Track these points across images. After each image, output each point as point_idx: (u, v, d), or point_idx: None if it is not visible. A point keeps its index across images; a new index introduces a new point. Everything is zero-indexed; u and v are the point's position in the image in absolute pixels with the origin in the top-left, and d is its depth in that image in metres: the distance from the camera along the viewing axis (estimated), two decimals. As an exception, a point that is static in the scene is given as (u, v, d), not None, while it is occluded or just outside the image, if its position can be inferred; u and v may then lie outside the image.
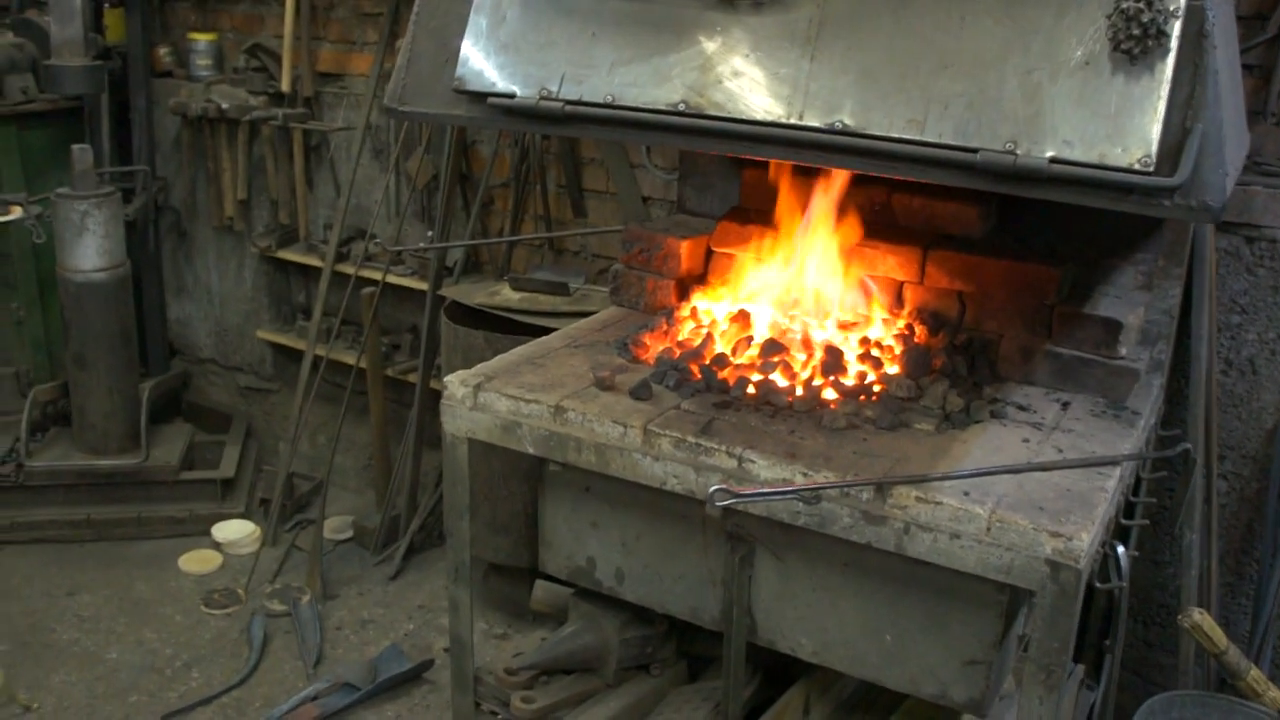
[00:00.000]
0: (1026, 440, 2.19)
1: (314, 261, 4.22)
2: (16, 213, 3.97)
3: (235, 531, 3.99)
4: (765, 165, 2.74)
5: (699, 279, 2.85)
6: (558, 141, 3.70)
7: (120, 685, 3.32)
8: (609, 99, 2.15)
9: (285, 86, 4.20)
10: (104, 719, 3.18)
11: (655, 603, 2.43)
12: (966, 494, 1.94)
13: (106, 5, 4.44)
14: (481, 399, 2.35)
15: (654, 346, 2.57)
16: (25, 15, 4.40)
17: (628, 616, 2.54)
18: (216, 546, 3.96)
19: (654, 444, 2.17)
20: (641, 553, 2.41)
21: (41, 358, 4.51)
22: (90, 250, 3.92)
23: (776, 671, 2.52)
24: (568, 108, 2.17)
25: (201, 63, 4.47)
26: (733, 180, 2.97)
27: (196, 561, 3.89)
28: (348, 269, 4.01)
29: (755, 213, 2.77)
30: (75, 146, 3.96)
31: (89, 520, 4.03)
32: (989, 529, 1.88)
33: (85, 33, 4.13)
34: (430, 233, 3.83)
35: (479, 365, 2.48)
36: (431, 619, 3.56)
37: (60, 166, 4.29)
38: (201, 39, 4.45)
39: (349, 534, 3.96)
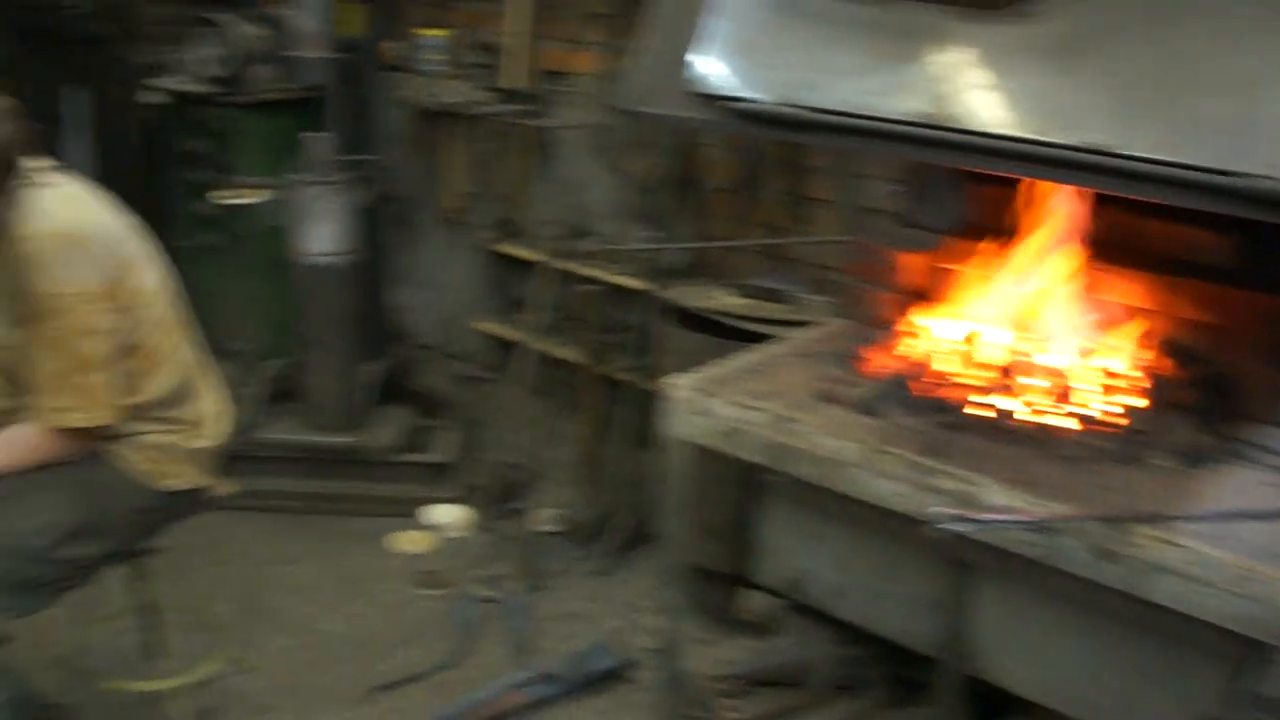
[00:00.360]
0: (1271, 485, 2.09)
1: (534, 256, 4.30)
2: (255, 196, 4.17)
3: (447, 515, 4.10)
4: (998, 181, 2.67)
5: (924, 294, 2.81)
6: (781, 147, 3.69)
7: (331, 655, 3.45)
8: (847, 107, 2.12)
9: (510, 83, 4.30)
10: (314, 686, 3.32)
11: (868, 622, 2.41)
12: (1210, 538, 1.86)
13: (342, 1, 4.61)
14: (705, 404, 2.37)
15: (877, 361, 2.55)
16: (269, 9, 4.61)
17: (839, 634, 2.53)
18: (428, 528, 4.08)
19: (878, 461, 2.15)
20: (857, 570, 2.40)
21: (273, 336, 4.72)
22: (323, 235, 4.08)
23: (989, 704, 2.47)
24: (806, 114, 2.15)
25: (430, 58, 4.60)
26: (962, 194, 2.91)
27: (409, 541, 4.02)
28: (567, 265, 4.09)
29: (985, 229, 2.71)
30: (311, 135, 4.13)
31: (309, 493, 4.21)
32: (1235, 577, 1.81)
33: (325, 27, 4.31)
34: (649, 233, 3.87)
35: (703, 369, 2.50)
36: (636, 618, 3.59)
37: (295, 154, 4.49)
38: (431, 35, 4.59)
39: (558, 526, 4.03)
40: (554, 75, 4.32)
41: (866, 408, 2.29)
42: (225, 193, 4.20)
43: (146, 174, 4.95)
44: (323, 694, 3.29)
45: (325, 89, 4.38)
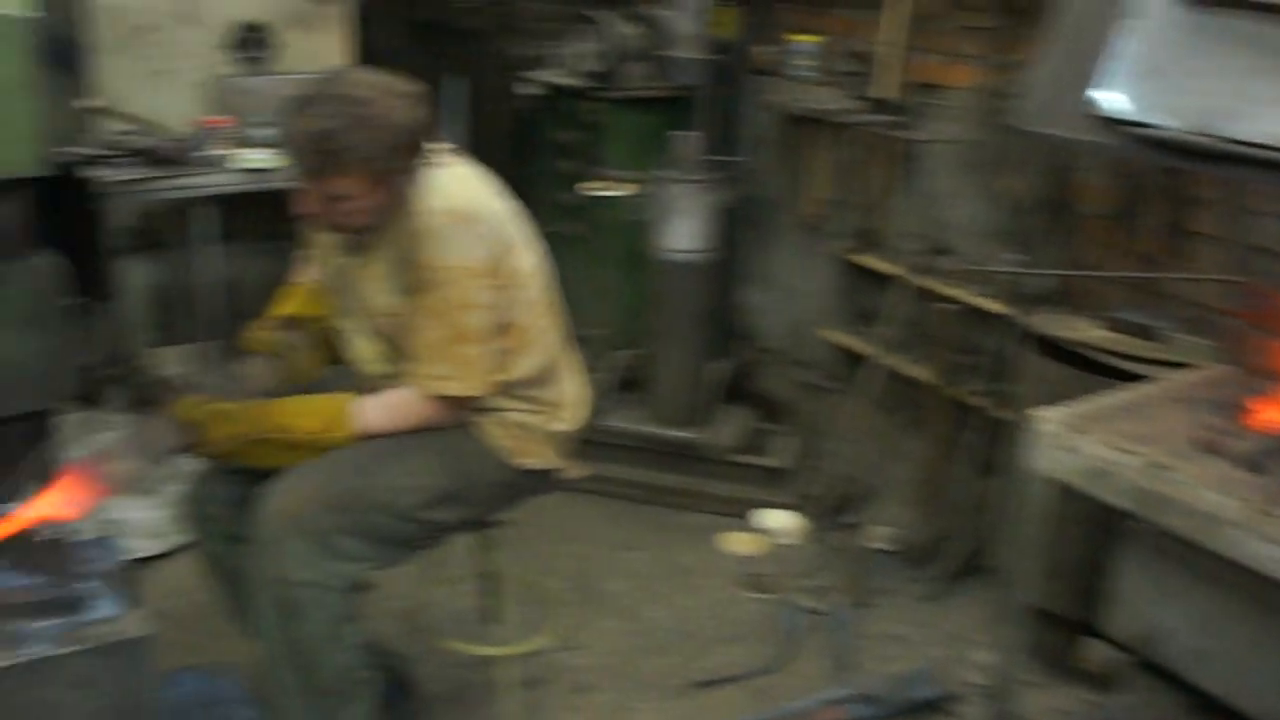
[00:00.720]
0: None
1: (891, 269, 4.24)
2: (621, 189, 4.30)
3: (779, 521, 4.11)
4: None
5: (1323, 347, 2.58)
6: (1164, 175, 3.48)
7: (656, 644, 3.52)
8: (1274, 140, 1.97)
9: (881, 92, 4.24)
10: (636, 672, 3.39)
11: (1232, 696, 2.24)
12: None
13: (717, 3, 4.68)
14: (1073, 440, 2.27)
15: (1265, 414, 2.36)
16: (646, 9, 4.74)
17: (1194, 701, 2.36)
18: (760, 532, 4.10)
19: (1263, 523, 1.99)
20: (1224, 637, 2.23)
21: (623, 327, 4.85)
22: (684, 232, 4.16)
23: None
24: (1223, 145, 2.01)
25: (801, 63, 4.60)
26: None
27: (739, 542, 4.04)
28: (924, 281, 4.00)
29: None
30: (681, 133, 4.22)
31: (647, 484, 4.30)
32: None
33: (700, 28, 4.39)
34: (1014, 256, 3.74)
35: (1072, 404, 2.39)
36: (963, 650, 3.49)
37: (662, 150, 4.60)
38: (803, 40, 4.58)
39: (890, 545, 3.96)
40: (926, 87, 4.24)
41: (1252, 464, 2.13)
42: (592, 184, 4.34)
43: (517, 162, 5.19)
44: (643, 681, 3.35)
45: (696, 89, 4.46)
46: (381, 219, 2.47)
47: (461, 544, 2.99)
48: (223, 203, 4.24)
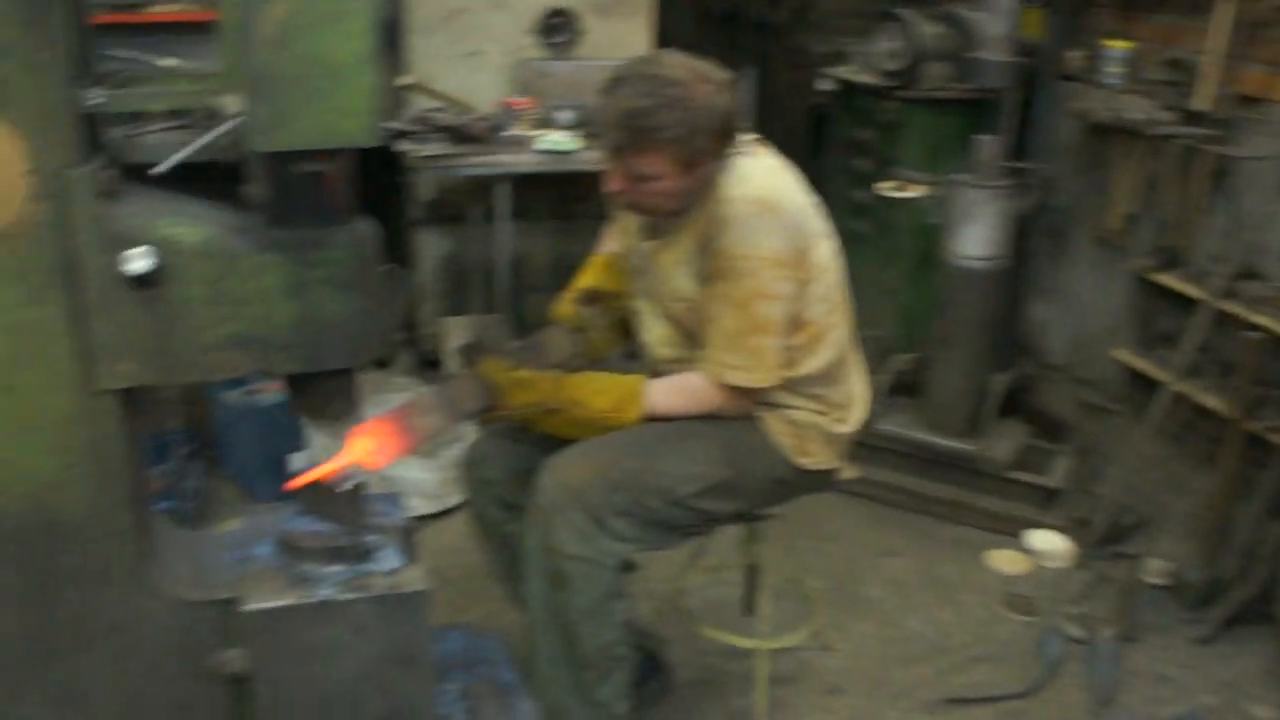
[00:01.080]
0: None
1: (1193, 292, 4.03)
2: (915, 191, 4.23)
3: (1048, 543, 3.98)
4: None
5: None
6: None
7: (910, 654, 3.47)
8: None
9: (1201, 104, 4.02)
10: (890, 680, 3.35)
11: None
12: None
13: (1026, 5, 4.54)
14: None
15: None
16: (953, 7, 4.64)
17: None
18: (1027, 552, 3.98)
19: None
20: None
21: (903, 329, 4.80)
22: (976, 238, 4.07)
23: None
24: None
25: (1111, 70, 4.41)
26: None
27: (1005, 560, 3.94)
28: (1230, 307, 3.78)
29: None
30: (980, 137, 4.12)
31: (913, 491, 4.23)
32: None
33: (1009, 29, 4.27)
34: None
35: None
36: (1236, 701, 3.30)
37: (956, 154, 4.51)
38: (1116, 46, 4.39)
39: (1165, 580, 3.77)
40: (1248, 100, 3.99)
41: None
42: (885, 184, 4.30)
43: (810, 158, 5.19)
44: (894, 690, 3.31)
45: (999, 92, 4.34)
46: (685, 204, 2.51)
47: (727, 534, 3.02)
48: (519, 181, 4.39)
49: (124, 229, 1.89)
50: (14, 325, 1.91)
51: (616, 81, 2.39)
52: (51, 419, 1.97)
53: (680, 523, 2.58)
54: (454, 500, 4.03)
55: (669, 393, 2.58)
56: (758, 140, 2.61)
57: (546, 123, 4.42)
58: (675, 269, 2.57)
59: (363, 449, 2.27)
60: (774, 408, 2.62)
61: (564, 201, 5.13)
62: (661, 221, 2.60)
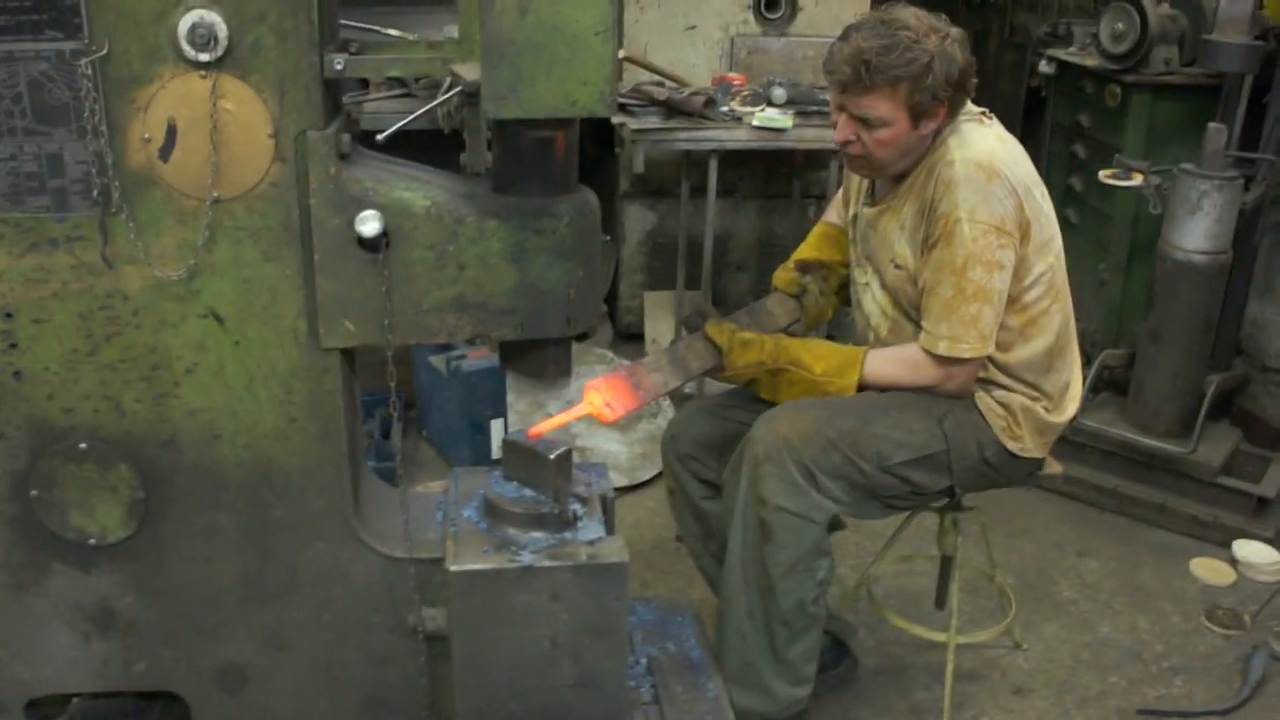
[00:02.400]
0: None
1: None
2: (1137, 179, 4.04)
3: (1257, 554, 3.77)
4: None
5: None
6: None
7: (1103, 661, 3.33)
8: None
9: None
10: (1077, 685, 3.22)
11: None
12: None
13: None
14: None
15: None
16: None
17: None
18: (1234, 562, 3.78)
19: None
20: None
21: (1112, 323, 4.61)
22: (1198, 231, 3.86)
23: None
24: None
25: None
26: None
27: (1208, 570, 3.75)
28: None
29: None
30: (1211, 125, 3.90)
31: (1114, 491, 4.06)
32: None
33: (1249, 10, 4.02)
34: None
35: None
36: None
37: (1180, 142, 4.29)
38: (1367, 31, 4.11)
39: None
40: None
41: None
42: (1105, 172, 4.11)
43: (1023, 141, 5.01)
44: (1083, 696, 3.19)
45: (1233, 77, 4.11)
46: (911, 161, 2.48)
47: (921, 523, 2.95)
48: (727, 158, 4.36)
49: (356, 192, 1.93)
50: (248, 281, 1.98)
51: (850, 28, 2.40)
52: (277, 373, 2.04)
53: (887, 491, 2.54)
54: (647, 474, 4.04)
55: (886, 362, 2.55)
56: (986, 112, 2.55)
57: (760, 99, 4.37)
58: (895, 235, 2.54)
59: (596, 402, 2.33)
60: (988, 386, 2.58)
61: (771, 180, 5.08)
62: (885, 186, 2.57)
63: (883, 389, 2.55)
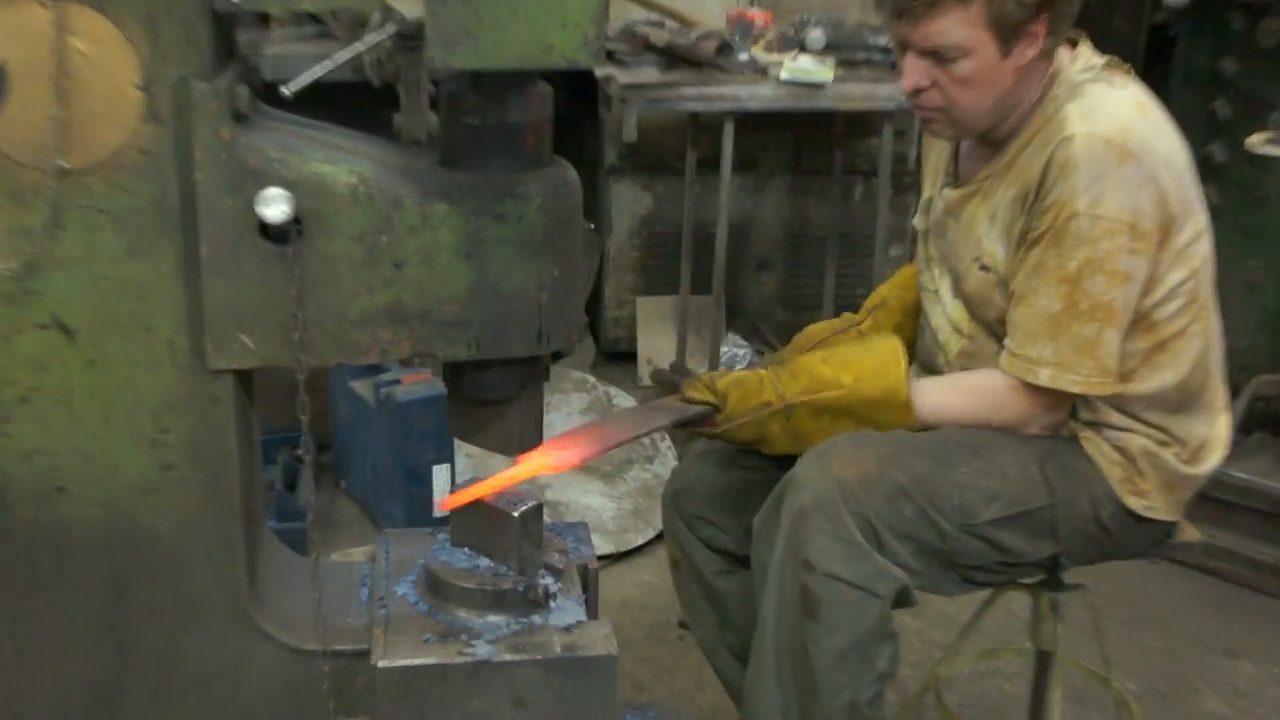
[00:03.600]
0: None
1: None
2: (1292, 152, 4.06)
3: None
4: None
5: None
6: None
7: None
8: None
9: None
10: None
11: None
12: None
13: None
14: None
15: None
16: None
17: None
18: None
19: None
20: None
21: (1265, 338, 4.60)
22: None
23: None
24: None
25: None
26: None
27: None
28: None
29: None
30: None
31: (1275, 567, 4.06)
32: None
33: None
34: None
35: None
36: None
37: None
38: None
39: None
40: None
41: None
42: (1257, 136, 4.11)
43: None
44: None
45: None
46: (1005, 112, 2.47)
47: (1009, 607, 2.95)
48: (747, 121, 4.39)
49: (256, 163, 1.94)
50: (107, 280, 1.98)
51: None
52: (146, 404, 2.05)
53: (969, 560, 2.52)
54: (640, 538, 4.06)
55: (951, 392, 2.56)
56: (1116, 63, 2.53)
57: (790, 44, 4.40)
58: (984, 226, 2.53)
59: (542, 460, 2.27)
60: (1099, 428, 2.55)
61: (805, 151, 5.11)
62: (973, 161, 2.58)
63: (947, 425, 2.55)
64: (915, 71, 2.43)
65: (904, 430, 2.51)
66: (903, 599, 2.47)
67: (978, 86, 2.41)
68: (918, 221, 2.83)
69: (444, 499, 2.25)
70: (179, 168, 1.94)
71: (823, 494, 2.39)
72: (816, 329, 2.90)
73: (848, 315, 2.90)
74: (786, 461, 2.54)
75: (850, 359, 2.54)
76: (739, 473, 2.75)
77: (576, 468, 2.40)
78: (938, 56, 2.39)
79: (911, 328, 2.80)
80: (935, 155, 2.74)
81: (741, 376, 2.52)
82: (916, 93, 2.45)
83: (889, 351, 2.53)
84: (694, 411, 2.48)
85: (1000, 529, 2.49)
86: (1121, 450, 2.55)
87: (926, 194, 2.76)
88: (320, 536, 2.34)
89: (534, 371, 2.19)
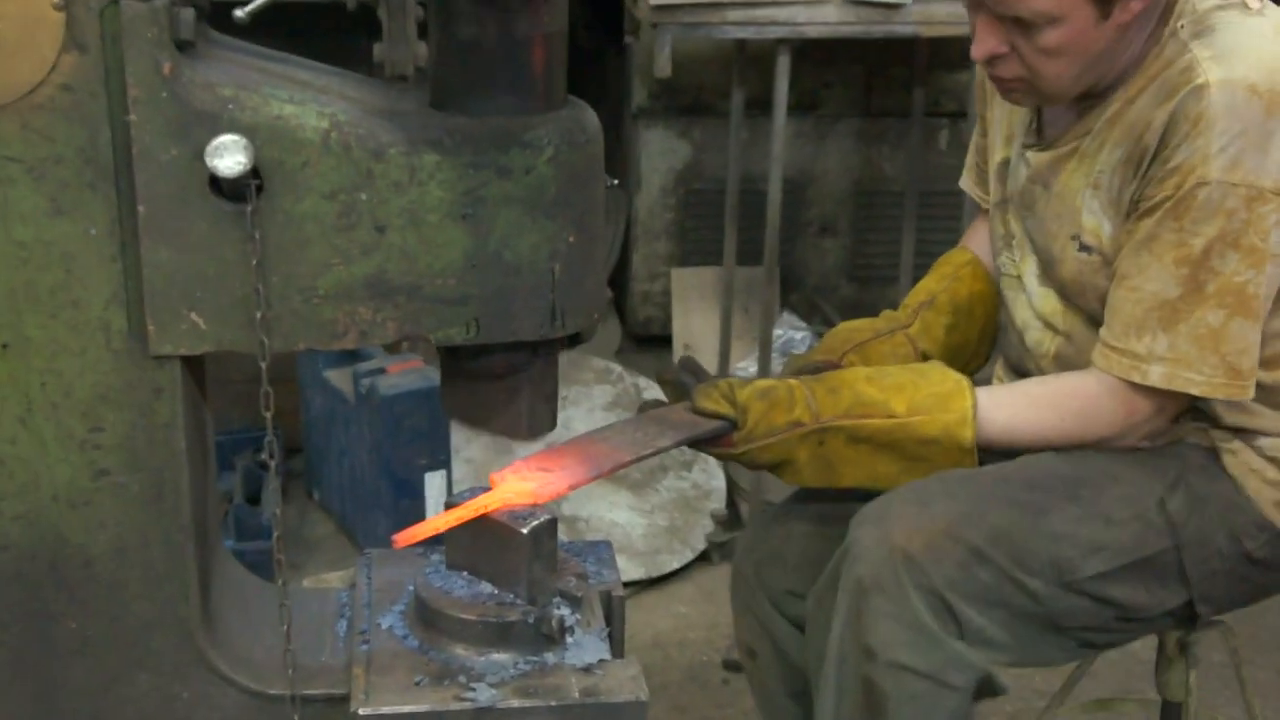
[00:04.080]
0: None
1: None
2: None
3: None
4: None
5: None
6: None
7: None
8: None
9: None
10: None
11: None
12: None
13: None
14: None
15: None
16: None
17: None
18: None
19: None
20: None
21: None
22: None
23: None
24: None
25: None
26: None
27: None
28: None
29: None
30: None
31: None
32: None
33: None
34: None
35: None
36: None
37: None
38: None
39: None
40: None
41: None
42: None
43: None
44: None
45: None
46: (1100, 72, 2.43)
47: (1130, 644, 2.93)
48: (806, 51, 4.36)
49: (205, 104, 1.93)
50: (25, 247, 1.97)
51: None
52: (75, 397, 2.04)
53: (1076, 620, 2.48)
54: (675, 561, 4.05)
55: (1025, 406, 2.52)
56: None
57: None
58: (1084, 195, 2.49)
59: (515, 486, 2.24)
60: (1246, 435, 2.51)
61: (877, 89, 5.09)
62: (1065, 112, 2.54)
63: (1016, 449, 2.51)
64: (989, 36, 2.39)
65: (966, 465, 2.48)
66: (987, 688, 2.45)
67: (1067, 55, 2.37)
68: (976, 189, 2.83)
69: (401, 535, 2.22)
70: (110, 108, 1.93)
71: (883, 568, 2.37)
72: (852, 328, 2.84)
73: (888, 314, 2.85)
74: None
75: (904, 382, 2.50)
76: (841, 531, 2.62)
77: (561, 497, 2.36)
78: (1019, 25, 2.35)
79: (966, 329, 2.79)
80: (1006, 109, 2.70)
81: (766, 387, 2.49)
82: (991, 61, 2.42)
83: (954, 382, 2.49)
84: (707, 427, 2.45)
85: (1109, 583, 2.46)
86: (1273, 460, 2.51)
87: (1000, 154, 2.72)
88: (289, 558, 2.34)
89: (546, 360, 2.18)
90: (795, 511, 2.80)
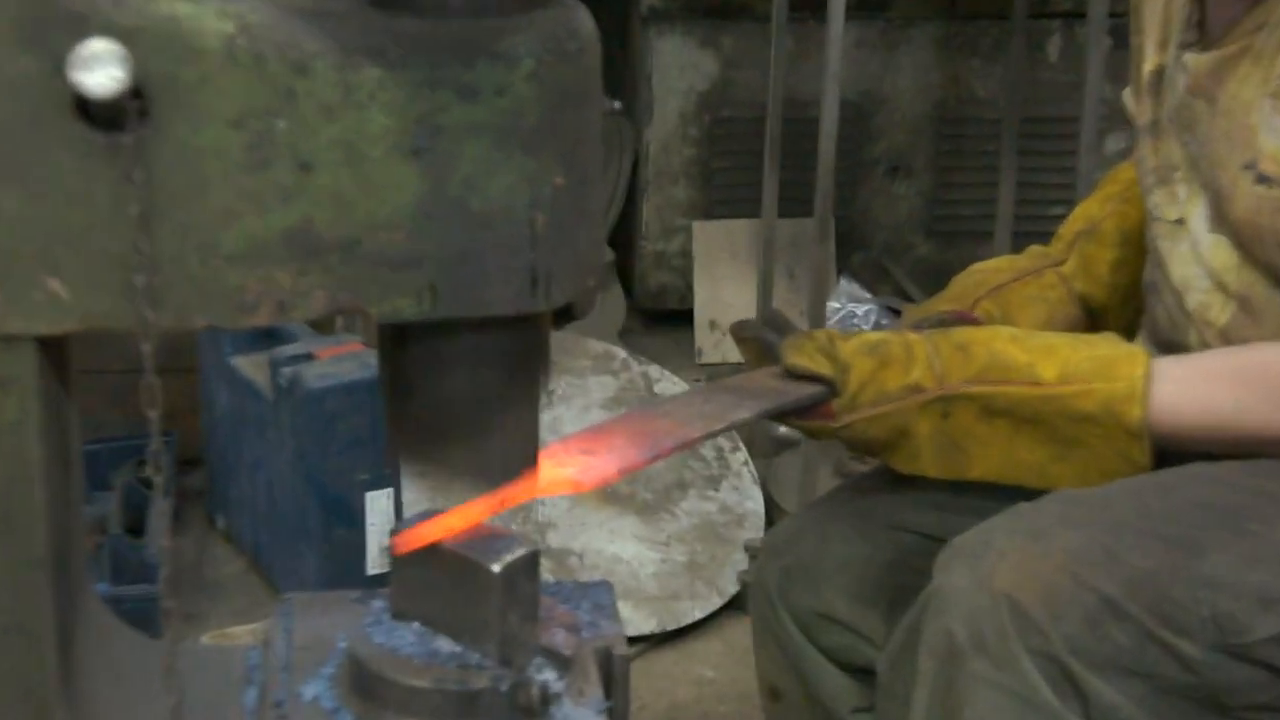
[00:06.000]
0: None
1: None
2: None
3: None
4: None
5: None
6: None
7: None
8: None
9: None
10: None
11: None
12: None
13: None
14: None
15: None
16: None
17: None
18: None
19: None
20: None
21: None
22: None
23: None
24: None
25: None
26: None
27: None
28: None
29: None
30: None
31: None
32: None
33: None
34: None
35: None
36: None
37: None
38: None
39: None
40: None
41: None
42: None
43: None
44: None
45: None
46: None
47: None
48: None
49: (75, 3, 1.93)
50: None
51: None
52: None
53: (1241, 699, 2.43)
54: (695, 610, 4.07)
55: (1198, 379, 2.52)
56: None
57: None
58: (1260, 110, 2.49)
59: (557, 473, 2.22)
60: None
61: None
62: (1231, 7, 2.55)
63: (1191, 442, 2.52)
64: None
65: (1114, 470, 2.48)
66: None
67: None
68: (1134, 106, 2.81)
69: (395, 538, 2.20)
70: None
71: (983, 622, 2.34)
72: (988, 268, 2.87)
73: (1036, 249, 2.86)
74: (950, 527, 2.51)
75: (1056, 344, 2.51)
76: (892, 536, 2.68)
77: (609, 484, 2.37)
78: None
79: (1138, 267, 2.80)
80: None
81: (877, 340, 2.50)
82: None
83: (1122, 347, 2.51)
84: (798, 395, 2.45)
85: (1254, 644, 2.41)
86: None
87: (1152, 61, 2.73)
88: (182, 606, 2.34)
89: (526, 345, 2.16)
90: (827, 512, 2.83)
